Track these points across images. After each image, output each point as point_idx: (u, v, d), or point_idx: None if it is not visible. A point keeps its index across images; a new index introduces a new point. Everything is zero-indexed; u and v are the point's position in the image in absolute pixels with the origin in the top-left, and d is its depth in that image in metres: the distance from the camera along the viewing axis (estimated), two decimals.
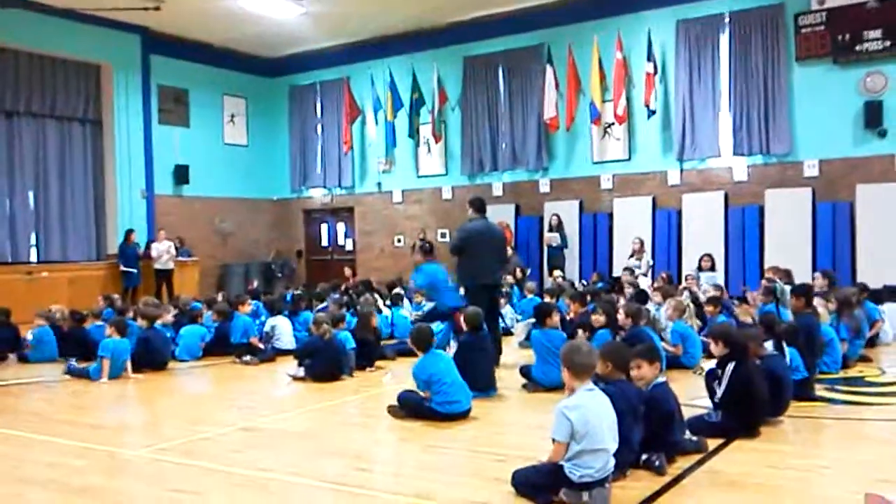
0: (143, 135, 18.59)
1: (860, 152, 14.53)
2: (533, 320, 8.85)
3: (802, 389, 6.61)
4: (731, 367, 5.69)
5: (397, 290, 13.74)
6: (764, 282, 10.95)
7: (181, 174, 19.41)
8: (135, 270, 16.91)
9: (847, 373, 8.00)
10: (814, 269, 14.32)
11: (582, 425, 4.27)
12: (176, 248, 17.68)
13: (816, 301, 8.37)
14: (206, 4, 16.81)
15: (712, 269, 13.86)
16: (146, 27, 18.19)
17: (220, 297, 13.04)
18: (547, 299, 10.79)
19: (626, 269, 14.48)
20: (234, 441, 6.16)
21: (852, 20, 14.38)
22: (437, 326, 8.94)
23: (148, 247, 17.44)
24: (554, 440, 4.37)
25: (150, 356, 9.54)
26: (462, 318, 7.78)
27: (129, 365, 9.16)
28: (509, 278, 14.70)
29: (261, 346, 10.39)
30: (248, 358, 10.07)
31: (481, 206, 9.53)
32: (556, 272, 15.54)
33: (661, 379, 5.39)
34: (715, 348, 5.93)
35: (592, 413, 4.34)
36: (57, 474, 5.33)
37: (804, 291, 8.15)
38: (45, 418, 7.28)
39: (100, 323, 10.66)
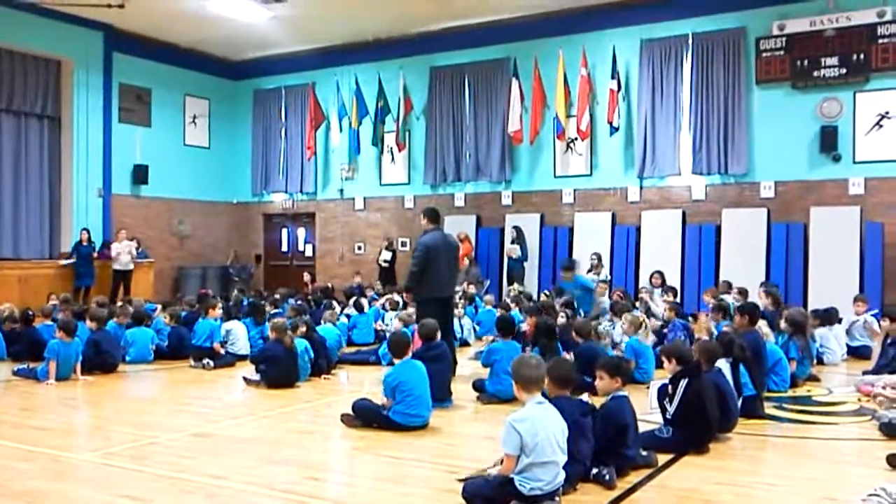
0: (102, 133, 18.34)
1: (815, 175, 14.87)
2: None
3: (751, 407, 6.72)
4: (683, 383, 5.76)
5: (362, 297, 13.68)
6: (713, 300, 11.08)
7: (140, 174, 19.15)
8: (73, 261, 16.49)
9: (795, 392, 8.14)
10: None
11: (531, 438, 4.30)
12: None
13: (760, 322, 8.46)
14: (171, 4, 16.64)
15: (663, 285, 14.02)
16: (110, 24, 17.96)
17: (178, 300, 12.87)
18: (499, 313, 10.83)
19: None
20: (184, 447, 6.07)
21: (811, 47, 14.75)
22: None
23: (106, 247, 17.13)
24: (505, 453, 4.39)
25: (100, 358, 9.38)
26: (417, 331, 7.73)
27: (77, 367, 9.00)
28: (472, 289, 14.75)
29: (222, 351, 10.23)
30: (206, 361, 9.93)
31: (435, 216, 9.34)
32: (515, 285, 15.60)
33: (622, 392, 5.45)
34: (668, 365, 6.01)
35: (541, 426, 4.37)
36: (0, 478, 5.20)
37: (751, 310, 8.24)
38: None
39: (49, 322, 10.46)
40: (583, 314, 11.60)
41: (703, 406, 5.73)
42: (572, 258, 15.38)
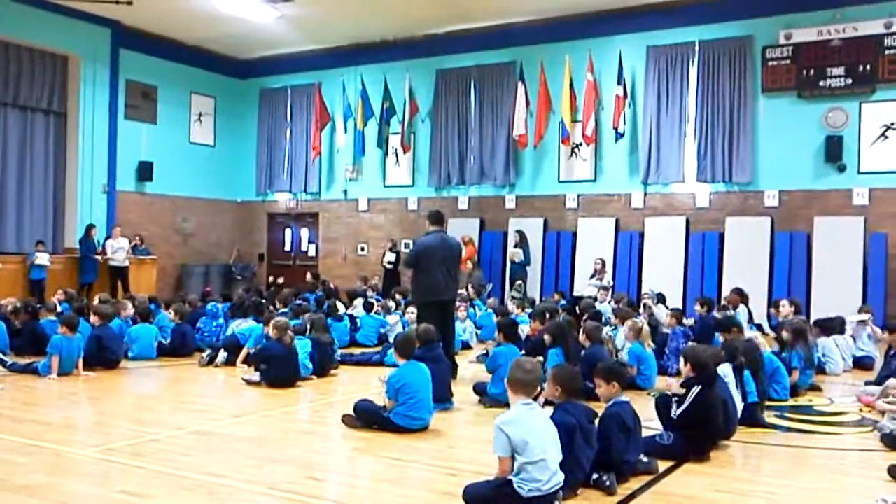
0: (108, 129, 18.35)
1: (819, 185, 14.86)
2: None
3: (753, 414, 6.72)
4: (695, 390, 5.75)
5: (369, 298, 13.67)
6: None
7: (145, 171, 19.18)
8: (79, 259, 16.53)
9: (797, 401, 8.12)
10: (769, 297, 14.62)
11: (519, 438, 4.33)
12: (134, 246, 17.42)
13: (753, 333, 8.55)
14: (179, 2, 16.70)
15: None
16: (117, 21, 17.99)
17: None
18: (496, 318, 10.79)
19: (593, 290, 14.55)
20: (184, 444, 6.08)
21: (817, 56, 14.77)
22: None
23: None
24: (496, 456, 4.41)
25: (103, 354, 9.39)
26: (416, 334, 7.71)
27: (80, 363, 9.01)
28: (472, 292, 14.75)
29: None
30: (218, 356, 9.88)
31: (437, 218, 9.34)
32: (517, 283, 15.61)
33: (623, 398, 5.44)
34: (684, 368, 6.00)
35: (528, 426, 4.39)
36: (1, 471, 5.21)
37: (736, 323, 8.36)
38: None
39: (53, 318, 10.46)
40: None
41: (709, 415, 5.72)
42: None
